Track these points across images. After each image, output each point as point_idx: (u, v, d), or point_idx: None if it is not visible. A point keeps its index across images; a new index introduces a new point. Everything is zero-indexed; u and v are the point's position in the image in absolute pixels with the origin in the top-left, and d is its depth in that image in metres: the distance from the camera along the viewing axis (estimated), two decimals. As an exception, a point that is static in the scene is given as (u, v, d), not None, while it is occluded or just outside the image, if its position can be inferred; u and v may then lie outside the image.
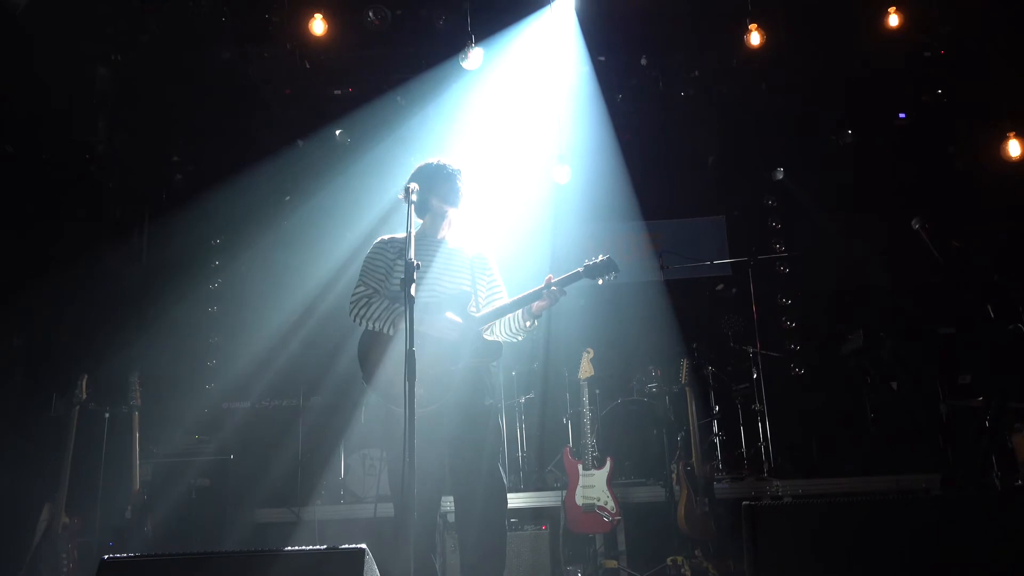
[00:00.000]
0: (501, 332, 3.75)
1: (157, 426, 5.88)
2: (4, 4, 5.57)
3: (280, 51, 7.05)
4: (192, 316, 7.56)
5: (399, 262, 3.64)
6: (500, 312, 3.63)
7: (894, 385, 6.13)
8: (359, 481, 6.40)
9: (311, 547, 2.34)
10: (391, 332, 3.51)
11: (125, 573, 2.23)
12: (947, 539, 2.33)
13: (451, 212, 3.78)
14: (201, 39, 6.90)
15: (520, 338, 3.78)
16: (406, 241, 3.12)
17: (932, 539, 2.32)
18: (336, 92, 7.69)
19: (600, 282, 3.63)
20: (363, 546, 2.18)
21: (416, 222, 3.78)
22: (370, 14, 6.60)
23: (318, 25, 6.06)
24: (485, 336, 3.66)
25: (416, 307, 3.41)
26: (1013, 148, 6.82)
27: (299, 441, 6.47)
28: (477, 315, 3.62)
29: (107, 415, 5.34)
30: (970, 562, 2.29)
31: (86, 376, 5.15)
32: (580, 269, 3.62)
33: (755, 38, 6.23)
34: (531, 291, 3.57)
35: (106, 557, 2.22)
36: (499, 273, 3.91)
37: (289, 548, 2.26)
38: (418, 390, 2.90)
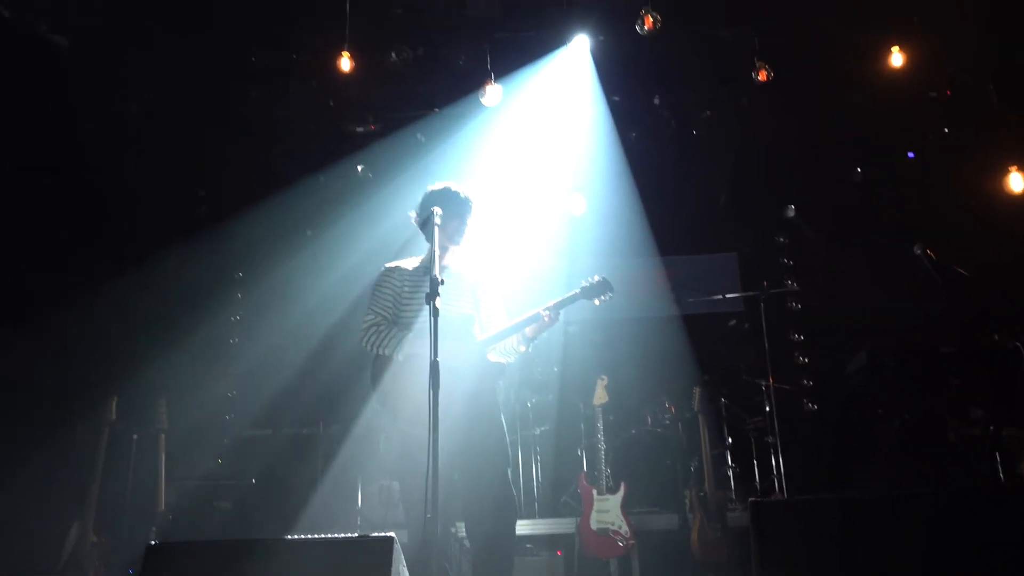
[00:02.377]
0: (495, 353, 3.84)
1: (181, 450, 6.02)
2: (48, 43, 5.88)
3: (306, 88, 7.34)
4: (215, 346, 7.72)
5: (406, 289, 3.76)
6: (502, 335, 3.72)
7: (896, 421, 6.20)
8: (376, 511, 6.48)
9: (343, 535, 2.46)
10: (400, 358, 3.61)
11: (170, 559, 2.37)
12: (958, 535, 2.38)
13: (453, 247, 3.89)
14: (229, 77, 7.20)
15: (511, 359, 3.85)
16: (429, 261, 3.28)
17: (943, 536, 2.36)
18: (359, 130, 7.94)
19: (596, 302, 3.73)
20: (392, 534, 2.30)
21: (424, 245, 3.94)
22: (393, 55, 6.89)
23: (345, 63, 6.30)
24: (489, 357, 3.77)
25: (421, 333, 3.55)
26: (1015, 182, 6.93)
27: (317, 469, 6.58)
28: (481, 338, 3.74)
29: (135, 437, 5.49)
30: (981, 558, 2.34)
31: (116, 398, 5.31)
32: (577, 290, 3.71)
33: (762, 75, 6.44)
34: (529, 314, 3.66)
35: (152, 543, 2.35)
36: (499, 295, 4.00)
37: (322, 535, 2.38)
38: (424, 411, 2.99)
